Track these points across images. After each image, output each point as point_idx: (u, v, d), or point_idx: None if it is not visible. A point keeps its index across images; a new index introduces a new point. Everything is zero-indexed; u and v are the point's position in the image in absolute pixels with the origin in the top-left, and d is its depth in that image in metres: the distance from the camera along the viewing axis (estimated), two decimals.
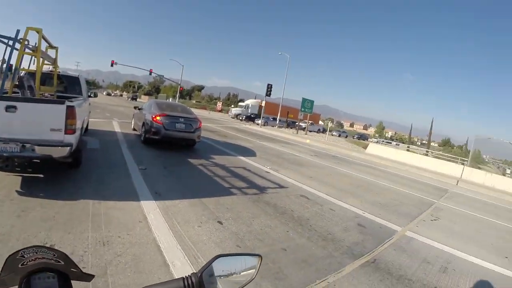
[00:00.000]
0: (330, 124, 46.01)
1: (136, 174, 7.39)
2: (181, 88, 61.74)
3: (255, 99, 75.27)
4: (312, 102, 40.22)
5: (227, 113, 65.69)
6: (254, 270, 1.13)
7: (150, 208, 5.37)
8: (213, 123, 31.55)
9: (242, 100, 78.59)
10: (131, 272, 3.48)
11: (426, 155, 38.77)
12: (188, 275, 0.96)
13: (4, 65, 6.83)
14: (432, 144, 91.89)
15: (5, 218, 4.36)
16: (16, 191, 5.38)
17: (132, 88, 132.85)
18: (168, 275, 3.53)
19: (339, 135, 59.86)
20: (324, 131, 57.64)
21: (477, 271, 5.36)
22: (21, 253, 0.86)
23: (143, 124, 11.93)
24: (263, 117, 46.74)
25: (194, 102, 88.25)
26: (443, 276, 4.82)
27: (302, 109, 39.67)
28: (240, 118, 53.11)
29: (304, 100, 39.35)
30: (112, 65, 50.44)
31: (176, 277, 0.97)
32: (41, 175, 6.45)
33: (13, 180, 5.89)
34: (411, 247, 5.78)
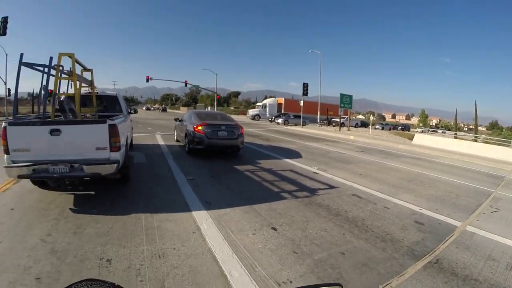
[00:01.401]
0: (371, 118, 44.35)
1: (184, 185, 7.51)
2: (217, 96, 62.45)
3: (273, 97, 71.24)
4: (350, 97, 39.37)
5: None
6: None
7: (202, 218, 5.40)
8: (254, 127, 31.66)
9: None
10: (189, 284, 3.47)
11: (476, 141, 36.50)
12: None
13: (43, 92, 7.21)
14: (479, 128, 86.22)
15: (62, 236, 4.55)
16: (70, 209, 5.66)
17: (170, 101, 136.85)
18: (227, 286, 3.49)
19: (382, 128, 56.76)
20: (363, 125, 55.86)
21: None
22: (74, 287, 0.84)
23: (186, 135, 12.17)
24: (282, 115, 45.64)
25: (233, 108, 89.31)
26: (511, 274, 4.42)
27: (342, 105, 38.95)
28: (257, 118, 51.29)
29: (342, 95, 38.56)
30: (147, 81, 52.38)
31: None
32: (93, 192, 6.71)
33: (66, 199, 6.20)
34: (474, 243, 5.35)
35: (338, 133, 30.32)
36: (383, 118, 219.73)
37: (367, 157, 15.03)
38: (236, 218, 5.54)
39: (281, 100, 57.29)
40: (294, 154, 13.94)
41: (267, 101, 58.96)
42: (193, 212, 5.65)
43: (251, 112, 55.99)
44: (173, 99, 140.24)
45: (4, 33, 25.71)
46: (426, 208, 7.08)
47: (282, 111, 48.86)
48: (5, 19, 25.74)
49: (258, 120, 50.34)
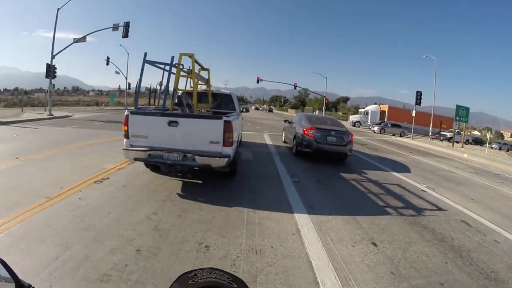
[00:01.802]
0: (489, 135, 38.09)
1: (289, 185, 7.45)
2: (326, 101, 61.61)
3: (376, 104, 65.90)
4: (467, 109, 34.64)
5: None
6: None
7: (304, 222, 5.23)
8: (361, 135, 30.42)
9: None
10: (280, 284, 3.38)
11: None
12: None
13: (163, 87, 7.83)
14: None
15: (166, 216, 4.85)
16: (177, 193, 6.07)
17: (278, 102, 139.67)
18: None
19: (500, 148, 47.89)
20: (476, 142, 49.02)
21: None
22: (195, 272, 0.89)
23: (295, 137, 12.16)
24: (380, 123, 42.00)
25: (341, 114, 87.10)
26: None
27: (457, 118, 34.40)
28: (357, 125, 48.48)
29: (458, 107, 34.10)
30: (258, 82, 54.33)
31: None
32: (200, 181, 7.05)
33: (174, 184, 6.64)
34: None
35: (450, 149, 27.51)
36: (501, 136, 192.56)
37: (481, 180, 13.27)
38: (337, 226, 5.26)
39: (385, 108, 53.61)
40: (402, 168, 12.95)
41: (369, 108, 55.20)
42: (295, 214, 5.53)
43: (352, 118, 53.83)
44: (282, 100, 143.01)
45: (126, 36, 29.32)
46: None
47: (385, 119, 45.74)
48: (127, 24, 29.42)
49: (359, 127, 48.14)
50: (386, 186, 8.76)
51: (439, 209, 7.39)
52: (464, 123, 36.35)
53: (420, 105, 37.17)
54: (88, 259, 3.57)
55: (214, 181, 7.07)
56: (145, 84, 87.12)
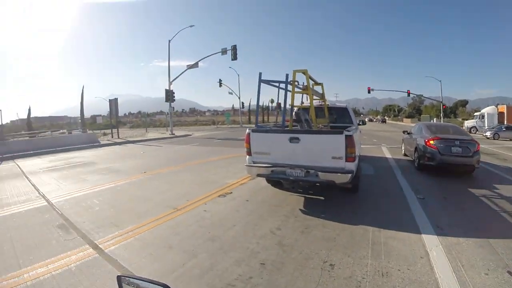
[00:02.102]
0: None
1: (414, 203, 7.11)
2: (443, 106, 56.65)
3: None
4: None
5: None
6: None
7: (432, 244, 4.95)
8: (483, 143, 27.13)
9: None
10: None
11: None
12: None
13: (282, 105, 8.07)
14: None
15: (290, 232, 5.07)
16: (300, 209, 6.26)
17: (392, 112, 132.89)
18: None
19: None
20: None
21: None
22: None
23: (416, 149, 11.53)
24: (494, 127, 35.03)
25: (460, 120, 78.32)
26: None
27: None
28: (473, 131, 41.86)
29: None
30: (369, 92, 52.82)
31: None
32: (322, 198, 7.13)
33: (296, 200, 6.84)
34: None
35: None
36: None
37: None
38: (469, 250, 4.83)
39: (503, 109, 45.79)
40: None
41: (485, 110, 46.27)
42: (423, 235, 5.26)
43: (467, 123, 47.00)
44: (395, 110, 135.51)
45: (235, 58, 31.42)
46: None
47: (505, 122, 39.14)
48: (235, 47, 31.52)
49: (475, 132, 41.50)
50: None
51: None
52: None
53: None
54: (214, 268, 3.92)
55: (336, 198, 7.12)
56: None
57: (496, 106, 47.45)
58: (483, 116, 45.60)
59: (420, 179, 9.82)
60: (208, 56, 37.28)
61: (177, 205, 6.54)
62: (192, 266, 4.01)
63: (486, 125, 42.60)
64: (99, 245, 4.85)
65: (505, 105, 47.20)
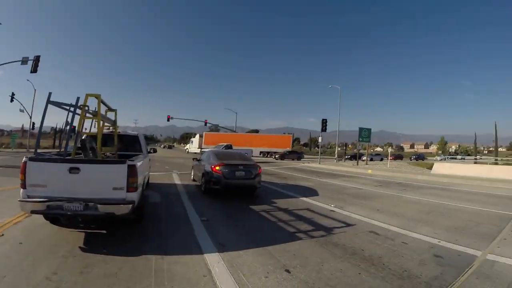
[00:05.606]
0: (389, 149, 44.52)
1: (198, 225, 7.43)
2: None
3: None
4: (369, 130, 40.55)
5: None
6: None
7: (214, 261, 5.26)
8: (271, 165, 31.66)
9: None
10: None
11: (496, 163, 36.24)
12: None
13: (68, 128, 7.47)
14: (499, 149, 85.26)
15: (68, 275, 4.52)
16: (80, 247, 5.65)
17: (189, 139, 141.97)
18: None
19: (371, 159, 53.25)
20: (379, 157, 55.62)
21: None
22: None
23: (203, 174, 12.26)
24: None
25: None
26: None
27: (360, 139, 40.13)
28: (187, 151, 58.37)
29: (361, 129, 39.76)
30: (168, 120, 54.24)
31: None
32: (104, 231, 6.70)
33: (76, 236, 6.22)
34: (495, 272, 5.16)
35: (355, 168, 30.29)
36: (402, 148, 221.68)
37: (385, 191, 14.84)
38: (249, 260, 5.38)
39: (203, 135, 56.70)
40: (311, 192, 13.86)
41: (193, 138, 64.63)
42: (205, 255, 5.52)
43: (186, 146, 67.69)
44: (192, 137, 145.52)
45: (35, 71, 27.51)
46: (445, 240, 6.90)
47: (203, 145, 51.32)
48: (37, 58, 27.74)
49: (187, 152, 58.87)
50: (296, 212, 9.26)
51: (348, 225, 8.03)
52: (367, 143, 40.96)
53: (325, 131, 40.28)
54: None
55: (120, 229, 6.74)
56: (50, 123, 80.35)
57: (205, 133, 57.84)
58: (192, 141, 63.26)
59: (205, 202, 10.45)
60: (5, 64, 31.46)
61: None
62: None
63: (193, 147, 59.51)
64: None
65: (204, 132, 57.56)
